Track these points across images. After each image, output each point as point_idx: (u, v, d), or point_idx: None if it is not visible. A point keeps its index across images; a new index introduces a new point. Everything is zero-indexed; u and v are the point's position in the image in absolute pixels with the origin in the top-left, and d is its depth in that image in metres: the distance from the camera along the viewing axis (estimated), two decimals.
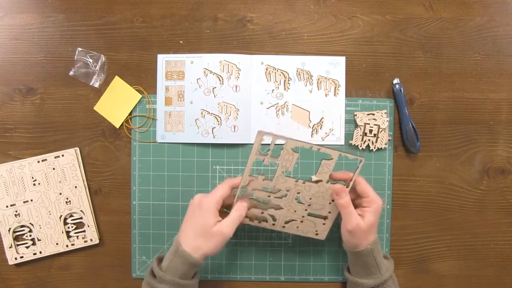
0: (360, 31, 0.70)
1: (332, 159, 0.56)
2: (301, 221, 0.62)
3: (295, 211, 0.61)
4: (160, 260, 0.59)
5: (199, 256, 0.56)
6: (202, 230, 0.57)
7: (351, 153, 0.57)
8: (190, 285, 0.58)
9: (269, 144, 0.55)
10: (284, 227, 0.62)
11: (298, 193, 0.59)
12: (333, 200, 0.60)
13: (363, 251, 0.59)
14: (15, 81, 0.69)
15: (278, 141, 0.55)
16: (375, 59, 0.70)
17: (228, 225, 0.57)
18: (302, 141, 0.55)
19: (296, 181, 0.58)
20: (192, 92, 0.69)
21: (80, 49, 0.69)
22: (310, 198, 0.60)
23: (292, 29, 0.70)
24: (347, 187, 0.59)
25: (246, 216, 0.60)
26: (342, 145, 0.69)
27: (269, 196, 0.59)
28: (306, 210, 0.61)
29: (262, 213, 0.61)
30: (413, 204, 0.70)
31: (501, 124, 0.70)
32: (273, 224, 0.62)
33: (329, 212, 0.61)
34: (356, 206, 0.60)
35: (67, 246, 0.69)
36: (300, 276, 0.70)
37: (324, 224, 0.62)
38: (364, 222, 0.58)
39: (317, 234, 0.64)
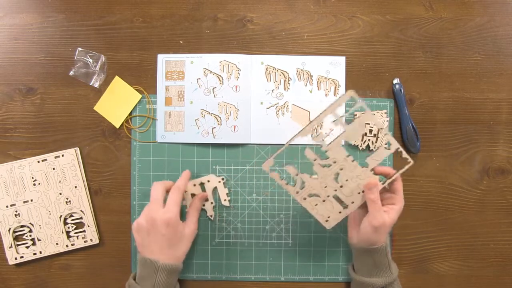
0: (360, 31, 0.70)
1: (390, 149, 0.58)
2: (323, 200, 0.61)
3: (325, 187, 0.60)
4: (134, 278, 0.61)
5: (179, 262, 0.61)
6: (177, 239, 0.60)
7: (405, 152, 0.59)
8: None
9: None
10: (305, 199, 0.61)
11: (341, 169, 0.59)
12: (363, 191, 0.60)
13: (378, 249, 0.59)
14: (15, 81, 0.70)
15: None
16: (375, 59, 0.70)
17: (194, 223, 0.64)
18: (377, 119, 0.57)
19: (348, 156, 0.58)
20: (192, 92, 0.69)
21: (80, 49, 0.69)
22: (347, 180, 0.60)
23: (292, 29, 0.70)
24: (384, 183, 0.60)
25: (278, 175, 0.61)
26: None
27: (315, 159, 0.59)
28: (335, 190, 0.60)
29: (297, 174, 0.60)
30: (413, 204, 0.70)
31: (501, 124, 0.70)
32: (297, 192, 0.61)
33: (352, 202, 0.61)
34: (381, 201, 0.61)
35: (67, 246, 0.69)
36: (300, 276, 0.70)
37: (340, 213, 0.62)
38: (390, 218, 0.59)
39: (327, 221, 0.63)
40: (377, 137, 0.68)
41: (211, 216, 0.69)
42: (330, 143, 0.57)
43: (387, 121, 0.68)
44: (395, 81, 0.69)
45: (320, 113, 0.55)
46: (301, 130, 0.57)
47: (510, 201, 0.70)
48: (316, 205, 0.62)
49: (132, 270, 0.70)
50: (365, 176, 0.59)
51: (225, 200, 0.69)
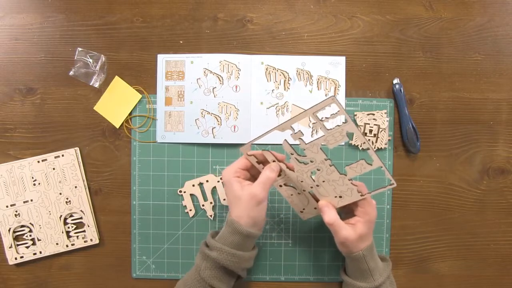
0: (360, 31, 0.70)
1: (371, 165, 0.56)
2: (298, 193, 0.61)
3: (301, 181, 0.59)
4: (216, 233, 0.61)
5: (243, 223, 0.56)
6: (232, 198, 0.58)
7: (389, 173, 0.57)
8: (242, 256, 0.57)
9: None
10: (281, 186, 0.61)
11: (318, 169, 0.57)
12: (340, 196, 0.59)
13: (355, 256, 0.59)
14: (15, 81, 0.69)
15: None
16: (375, 59, 0.70)
17: (258, 186, 0.56)
18: (359, 133, 0.55)
19: (326, 159, 0.56)
20: (192, 92, 0.69)
21: (80, 49, 0.69)
22: (323, 181, 0.58)
23: (292, 29, 0.70)
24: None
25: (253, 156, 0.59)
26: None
27: (292, 154, 0.57)
28: (311, 187, 0.59)
29: (274, 161, 0.59)
30: (413, 204, 0.70)
31: (501, 124, 0.70)
32: None
33: None
34: (351, 211, 0.60)
35: (67, 246, 0.69)
36: (300, 276, 0.70)
37: (315, 209, 0.62)
38: (355, 232, 0.57)
39: (302, 212, 0.63)
40: (377, 137, 0.68)
41: (211, 215, 0.69)
42: (309, 142, 0.56)
43: (387, 121, 0.68)
44: (395, 81, 0.69)
45: (300, 113, 0.54)
46: (280, 125, 0.55)
47: (510, 201, 0.70)
48: (291, 195, 0.61)
49: (132, 270, 0.70)
50: (342, 184, 0.58)
51: (224, 199, 0.69)
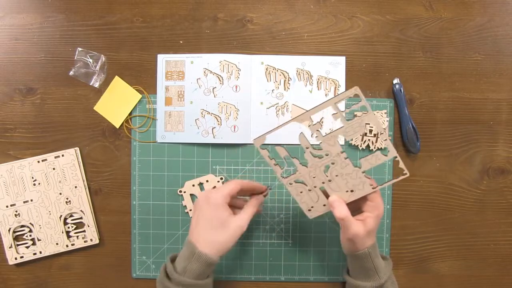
0: (360, 31, 0.70)
1: (387, 156, 0.56)
2: (309, 190, 0.60)
3: (314, 177, 0.59)
4: (173, 259, 0.59)
5: (214, 253, 0.56)
6: (216, 223, 0.56)
7: (403, 164, 0.57)
8: (206, 285, 0.58)
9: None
10: (291, 184, 0.60)
11: (333, 163, 0.57)
12: (352, 190, 0.59)
13: (360, 254, 0.58)
14: (15, 81, 0.70)
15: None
16: (375, 59, 0.70)
17: (244, 219, 0.58)
18: (379, 123, 0.56)
19: (342, 152, 0.56)
20: (192, 92, 0.69)
21: (80, 49, 0.69)
22: (337, 175, 0.58)
23: (292, 29, 0.70)
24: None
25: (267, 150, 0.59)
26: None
27: (307, 147, 0.57)
28: (323, 183, 0.59)
29: (285, 157, 0.58)
30: (413, 204, 0.70)
31: (501, 124, 0.70)
32: (284, 176, 0.60)
33: None
34: (358, 207, 0.60)
35: (67, 246, 0.69)
36: (300, 276, 0.70)
37: (324, 205, 0.61)
38: (364, 228, 0.57)
39: (309, 210, 0.62)
40: (377, 137, 0.68)
41: None
42: (326, 135, 0.56)
43: (387, 121, 0.68)
44: (395, 81, 0.69)
45: (321, 103, 0.54)
46: (299, 116, 0.55)
47: (510, 201, 0.70)
48: (301, 192, 0.61)
49: (132, 270, 0.70)
50: (356, 177, 0.58)
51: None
